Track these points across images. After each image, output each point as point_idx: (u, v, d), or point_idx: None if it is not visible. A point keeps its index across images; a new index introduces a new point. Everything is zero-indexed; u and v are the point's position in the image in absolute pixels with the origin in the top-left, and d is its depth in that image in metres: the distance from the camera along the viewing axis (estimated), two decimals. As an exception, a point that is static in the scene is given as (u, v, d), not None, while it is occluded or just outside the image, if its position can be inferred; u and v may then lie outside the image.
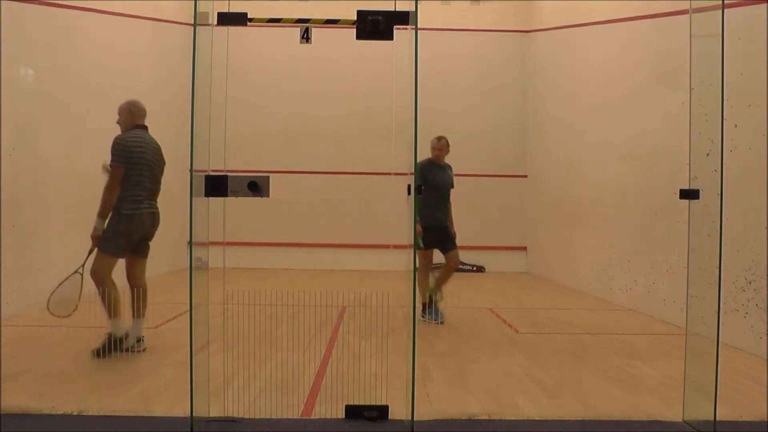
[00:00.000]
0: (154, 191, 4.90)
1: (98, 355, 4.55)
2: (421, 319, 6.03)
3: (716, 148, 3.22)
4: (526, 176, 10.64)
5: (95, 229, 4.63)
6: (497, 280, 9.70)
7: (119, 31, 8.39)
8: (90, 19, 7.72)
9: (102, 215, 4.64)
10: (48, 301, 4.50)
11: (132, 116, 4.85)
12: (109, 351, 4.52)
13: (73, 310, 4.55)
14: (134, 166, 4.69)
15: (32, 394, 3.68)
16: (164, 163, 5.00)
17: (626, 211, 7.30)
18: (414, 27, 3.15)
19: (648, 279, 6.76)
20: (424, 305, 6.06)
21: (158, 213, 4.92)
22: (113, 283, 4.68)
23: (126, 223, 4.67)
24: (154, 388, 3.87)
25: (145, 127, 4.89)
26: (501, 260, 10.76)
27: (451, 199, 6.40)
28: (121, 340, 4.59)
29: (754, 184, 4.88)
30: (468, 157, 10.70)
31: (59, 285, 4.60)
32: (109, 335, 4.60)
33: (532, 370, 4.42)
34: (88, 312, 6.39)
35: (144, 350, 4.74)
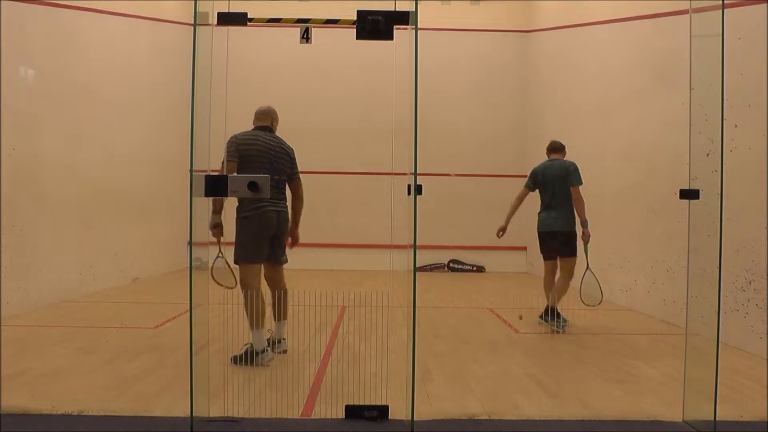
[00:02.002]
0: (280, 191, 4.73)
1: (236, 362, 4.37)
2: (540, 321, 5.83)
3: (716, 148, 3.22)
4: (526, 176, 10.61)
5: (211, 222, 4.41)
6: (497, 280, 9.70)
7: (119, 31, 8.39)
8: (90, 19, 7.73)
9: (214, 210, 4.45)
10: (212, 269, 4.40)
11: (256, 118, 4.83)
12: (247, 362, 4.33)
13: (234, 285, 4.53)
14: (248, 164, 4.50)
15: (32, 394, 3.68)
16: (292, 163, 4.87)
17: (626, 211, 7.30)
18: (414, 27, 3.15)
19: (648, 279, 6.76)
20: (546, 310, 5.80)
21: (285, 212, 4.74)
22: (257, 293, 4.45)
23: (249, 226, 4.51)
24: (154, 388, 3.87)
25: (267, 128, 4.78)
26: (501, 260, 10.76)
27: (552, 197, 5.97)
28: (258, 353, 4.36)
29: (754, 184, 4.88)
30: (468, 157, 10.71)
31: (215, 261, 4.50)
32: (249, 346, 4.39)
33: (532, 370, 4.42)
34: (88, 312, 6.40)
35: (285, 351, 4.65)
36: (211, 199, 4.29)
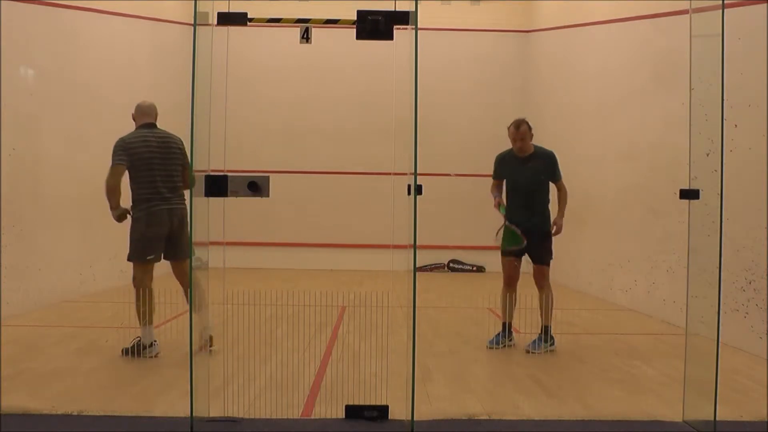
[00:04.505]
0: (173, 188, 4.74)
1: (125, 353, 4.59)
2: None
3: (716, 148, 3.22)
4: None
5: (113, 216, 4.71)
6: (497, 280, 9.69)
7: (119, 31, 8.38)
8: (90, 19, 7.72)
9: (112, 207, 4.70)
10: None
11: (137, 116, 4.82)
12: (136, 355, 4.54)
13: None
14: (139, 164, 4.62)
15: (32, 394, 3.68)
16: (183, 156, 4.81)
17: (626, 211, 7.29)
18: (414, 27, 3.15)
19: (648, 279, 6.76)
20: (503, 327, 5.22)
21: (181, 209, 4.74)
22: (148, 291, 4.63)
23: (138, 226, 4.64)
24: (154, 388, 3.87)
25: (151, 125, 4.82)
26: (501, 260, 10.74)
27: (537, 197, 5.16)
28: (145, 347, 4.58)
29: (754, 184, 4.88)
30: (468, 157, 10.69)
31: None
32: (138, 340, 4.61)
33: (532, 370, 4.42)
34: (88, 312, 6.40)
35: (210, 346, 4.55)
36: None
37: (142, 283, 4.64)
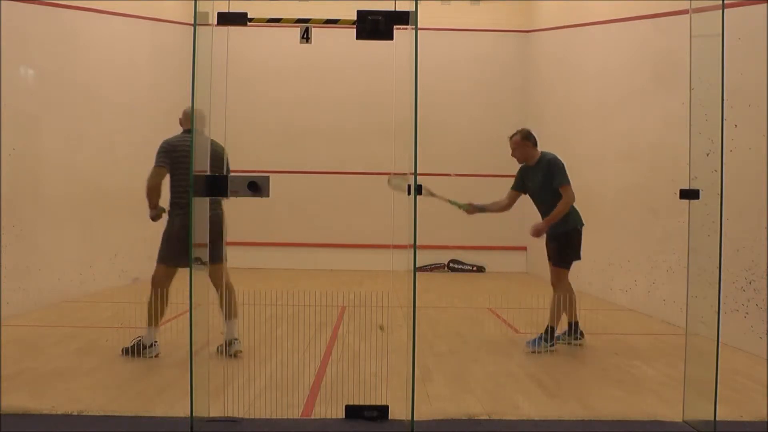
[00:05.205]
0: None
1: (125, 353, 4.58)
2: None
3: (716, 148, 3.22)
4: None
5: (150, 215, 4.72)
6: (497, 280, 9.70)
7: (119, 31, 8.39)
8: (90, 19, 7.72)
9: (150, 206, 4.71)
10: None
11: (184, 121, 4.83)
12: (136, 354, 4.53)
13: None
14: (179, 168, 4.61)
15: (32, 394, 3.68)
16: (223, 163, 4.74)
17: (626, 211, 7.29)
18: (414, 27, 3.15)
19: (648, 279, 6.76)
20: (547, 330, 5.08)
21: (217, 213, 4.66)
22: (163, 295, 4.62)
23: (174, 228, 4.61)
24: (154, 388, 3.87)
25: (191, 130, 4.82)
26: (501, 260, 10.76)
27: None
28: (146, 347, 4.58)
29: (754, 184, 4.88)
30: (468, 157, 10.70)
31: None
32: (139, 340, 4.60)
33: (532, 370, 4.42)
34: (88, 312, 6.40)
35: (237, 353, 4.59)
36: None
37: (160, 283, 4.62)
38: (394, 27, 3.24)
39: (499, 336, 5.59)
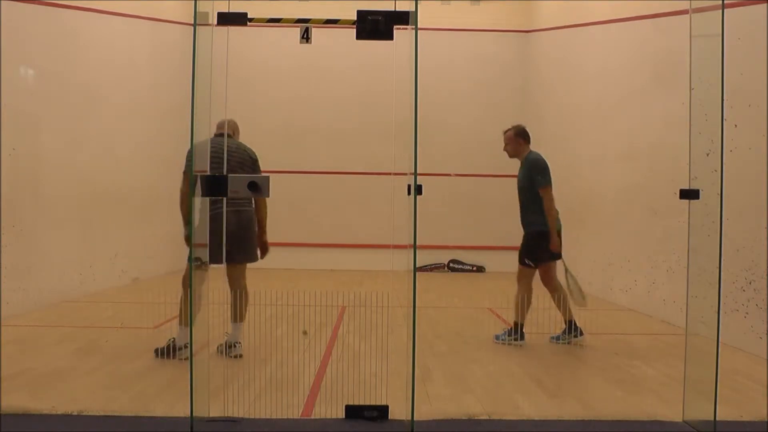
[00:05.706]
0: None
1: (159, 354, 4.55)
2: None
3: (716, 148, 3.22)
4: (526, 176, 10.62)
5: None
6: (497, 280, 9.70)
7: (119, 31, 8.39)
8: (90, 19, 7.72)
9: (184, 221, 4.62)
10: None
11: (216, 128, 4.82)
12: (168, 355, 4.50)
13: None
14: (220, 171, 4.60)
15: (32, 394, 3.68)
16: (254, 166, 4.82)
17: (626, 211, 7.29)
18: (414, 27, 3.15)
19: (648, 279, 6.76)
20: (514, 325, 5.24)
21: (247, 210, 4.71)
22: (198, 296, 4.60)
23: (230, 227, 4.56)
24: (154, 388, 3.87)
25: (222, 135, 4.79)
26: (501, 260, 10.73)
27: (529, 200, 5.31)
28: (180, 348, 4.51)
29: (754, 184, 4.88)
30: (468, 157, 10.70)
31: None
32: (173, 341, 4.57)
33: (532, 370, 4.42)
34: (88, 312, 6.40)
35: (238, 356, 4.56)
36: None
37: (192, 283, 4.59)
38: (394, 27, 3.24)
39: (499, 336, 5.58)
